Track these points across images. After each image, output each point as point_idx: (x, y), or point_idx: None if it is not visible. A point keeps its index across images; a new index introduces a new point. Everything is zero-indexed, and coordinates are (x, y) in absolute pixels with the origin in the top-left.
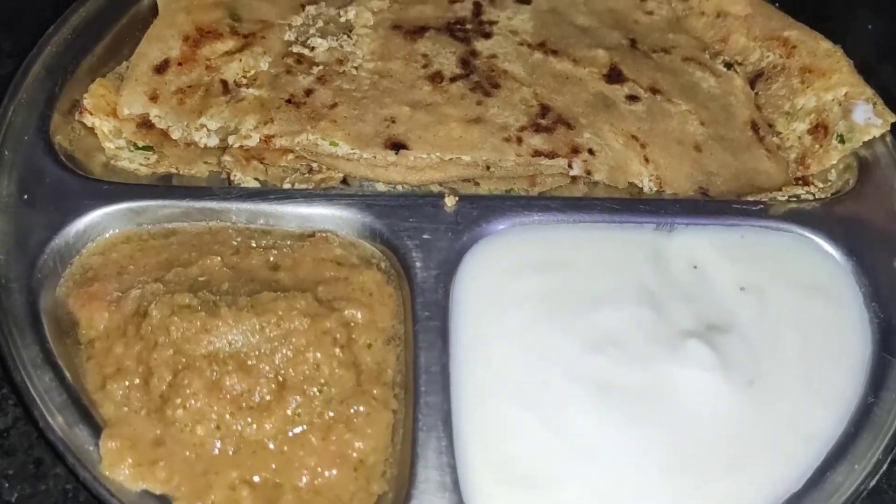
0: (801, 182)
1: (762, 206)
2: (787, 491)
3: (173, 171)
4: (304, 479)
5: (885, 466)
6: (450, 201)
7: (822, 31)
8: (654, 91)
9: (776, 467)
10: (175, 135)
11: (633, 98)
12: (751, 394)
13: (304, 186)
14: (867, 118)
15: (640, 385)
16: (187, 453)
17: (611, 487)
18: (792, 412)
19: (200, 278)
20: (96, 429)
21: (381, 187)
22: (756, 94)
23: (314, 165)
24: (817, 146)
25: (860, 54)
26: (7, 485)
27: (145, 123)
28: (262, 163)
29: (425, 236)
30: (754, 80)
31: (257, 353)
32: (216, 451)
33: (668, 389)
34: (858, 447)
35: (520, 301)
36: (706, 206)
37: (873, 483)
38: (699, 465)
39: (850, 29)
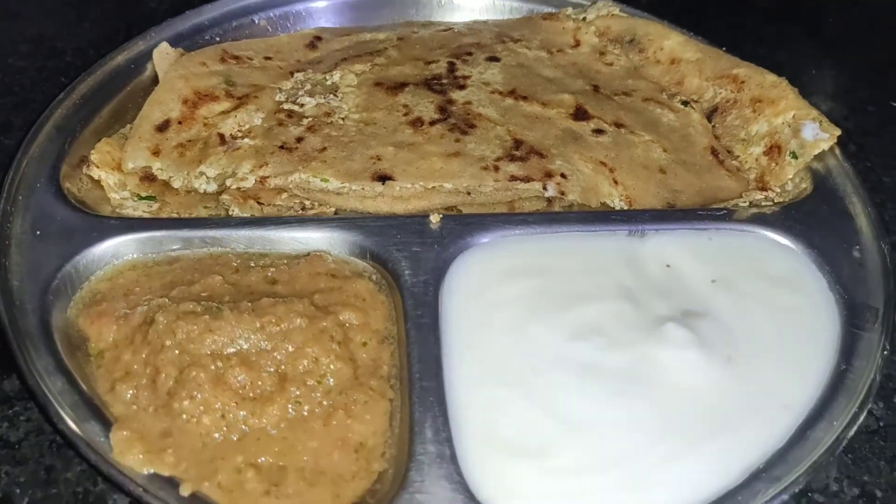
0: (760, 188)
1: (726, 211)
2: (771, 449)
3: (174, 215)
4: (307, 461)
5: (861, 418)
6: (434, 219)
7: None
8: (618, 125)
9: (758, 431)
10: (176, 184)
11: (598, 131)
12: (729, 369)
13: None
14: (815, 134)
15: (623, 365)
16: (194, 442)
17: (600, 454)
18: (770, 384)
19: (203, 294)
20: (107, 424)
21: None
22: (713, 126)
23: (307, 203)
24: (773, 164)
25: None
26: (18, 490)
27: (147, 177)
28: (258, 202)
29: (414, 249)
30: (710, 114)
31: (259, 349)
32: (222, 439)
33: (650, 367)
34: (835, 407)
35: (506, 303)
36: (674, 214)
37: (851, 433)
38: (684, 432)
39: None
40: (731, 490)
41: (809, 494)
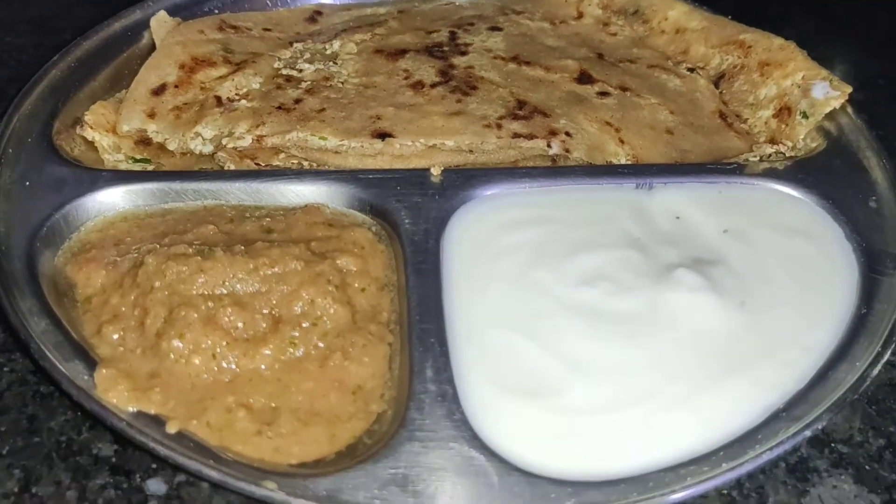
0: (771, 143)
1: (736, 165)
2: (791, 391)
3: None
4: (302, 402)
5: (885, 357)
6: (436, 171)
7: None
8: (624, 89)
9: (777, 373)
10: (171, 146)
11: (603, 94)
12: (743, 313)
13: None
14: (826, 93)
15: (633, 310)
16: (183, 382)
17: (610, 394)
18: (787, 328)
19: (195, 242)
20: (91, 365)
21: None
22: (721, 92)
23: (305, 164)
24: (784, 126)
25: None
26: None
27: (142, 141)
28: (254, 163)
29: (414, 199)
30: (717, 81)
31: (252, 291)
32: (212, 380)
33: (661, 311)
34: (857, 349)
35: (509, 250)
36: (682, 168)
37: (875, 372)
38: (698, 373)
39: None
40: (750, 429)
41: (833, 445)
